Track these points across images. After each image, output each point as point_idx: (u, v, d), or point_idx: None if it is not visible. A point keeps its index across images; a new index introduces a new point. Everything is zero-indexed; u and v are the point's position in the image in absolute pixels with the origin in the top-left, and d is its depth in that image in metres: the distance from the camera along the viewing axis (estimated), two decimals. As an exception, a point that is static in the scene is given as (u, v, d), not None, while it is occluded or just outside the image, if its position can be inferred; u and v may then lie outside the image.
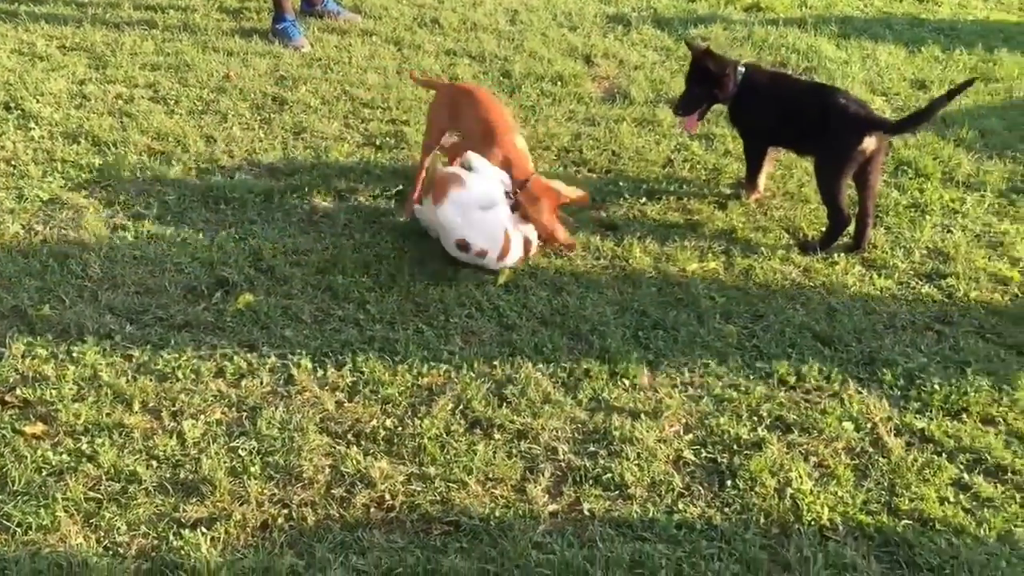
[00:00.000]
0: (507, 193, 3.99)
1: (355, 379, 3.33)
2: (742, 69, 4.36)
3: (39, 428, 3.05)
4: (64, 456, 2.95)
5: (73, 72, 5.44)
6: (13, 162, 4.54)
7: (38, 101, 5.08)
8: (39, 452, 2.95)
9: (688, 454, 3.09)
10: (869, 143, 3.99)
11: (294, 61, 5.75)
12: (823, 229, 4.20)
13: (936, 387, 3.40)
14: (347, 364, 3.39)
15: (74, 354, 3.37)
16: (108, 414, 3.11)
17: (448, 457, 3.02)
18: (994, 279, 4.05)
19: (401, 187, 4.44)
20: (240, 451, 3.00)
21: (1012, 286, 4.00)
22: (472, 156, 3.97)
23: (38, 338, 3.44)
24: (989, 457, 3.11)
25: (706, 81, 4.37)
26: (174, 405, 3.18)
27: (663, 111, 5.32)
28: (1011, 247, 4.25)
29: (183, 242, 4.02)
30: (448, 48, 6.06)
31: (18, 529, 2.70)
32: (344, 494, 2.88)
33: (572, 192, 4.09)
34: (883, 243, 4.24)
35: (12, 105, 5.03)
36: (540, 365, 3.43)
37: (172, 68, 5.55)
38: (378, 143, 4.87)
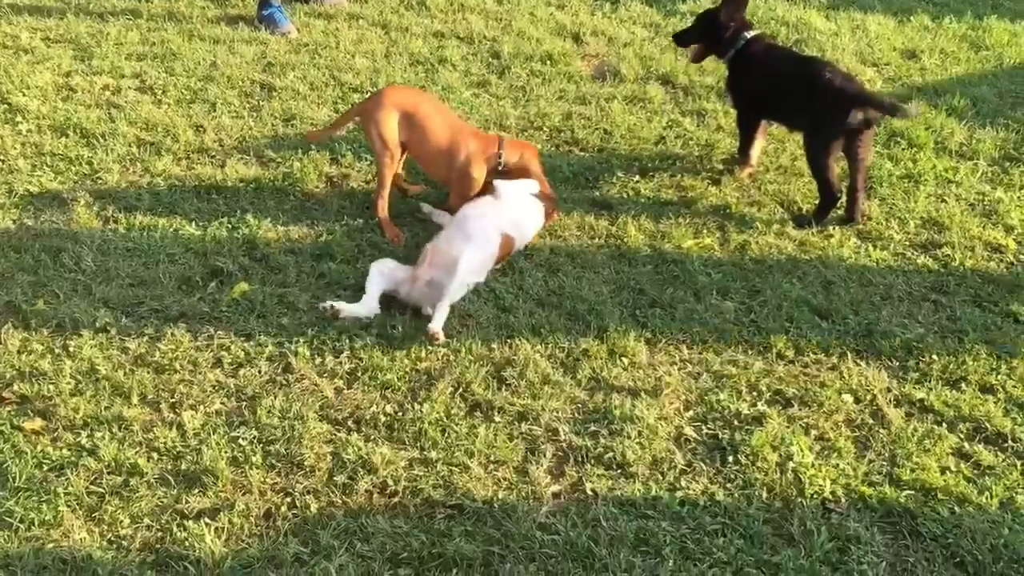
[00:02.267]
0: (498, 166, 4.05)
1: (353, 365, 3.32)
2: (747, 35, 4.38)
3: (38, 423, 3.04)
4: (64, 451, 2.94)
5: (59, 64, 5.39)
6: (1, 157, 4.50)
7: (24, 95, 5.03)
8: (39, 447, 2.94)
9: (689, 431, 3.10)
10: (855, 117, 3.98)
11: (281, 47, 5.70)
12: (816, 203, 4.19)
13: (934, 357, 3.41)
14: (345, 351, 3.38)
15: (70, 348, 3.35)
16: (107, 407, 3.10)
17: (449, 441, 3.02)
18: (989, 247, 4.05)
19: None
20: (241, 441, 2.99)
21: (1007, 254, 4.01)
22: (499, 184, 4.00)
23: (33, 333, 3.43)
24: (989, 425, 3.12)
25: (708, 26, 4.50)
26: (173, 396, 3.17)
27: (654, 88, 5.30)
28: (1005, 215, 4.25)
29: (176, 233, 4.00)
30: (436, 30, 6.02)
31: (21, 525, 2.69)
32: (346, 481, 2.87)
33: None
34: (877, 214, 4.24)
35: (-2, 99, 4.99)
36: (538, 346, 3.43)
37: (158, 58, 5.50)
38: (369, 128, 4.83)
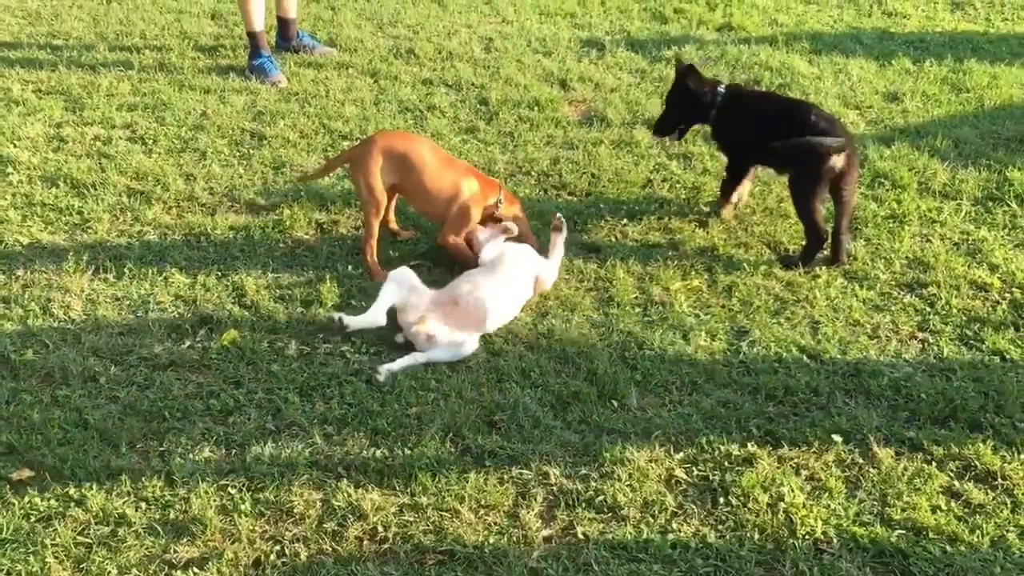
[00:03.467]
0: (495, 210, 4.11)
1: (343, 411, 3.31)
2: (722, 89, 4.39)
3: (26, 474, 3.02)
4: (52, 501, 2.92)
5: (50, 115, 5.43)
6: (-8, 207, 4.52)
7: (15, 146, 5.07)
8: (26, 498, 2.92)
9: (680, 472, 3.09)
10: (837, 160, 4.02)
11: (271, 96, 5.76)
12: (803, 244, 4.23)
13: (923, 396, 3.42)
14: (335, 397, 3.38)
15: (59, 398, 3.35)
16: (95, 457, 3.08)
17: (440, 486, 3.01)
18: (975, 286, 4.08)
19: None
20: (230, 488, 2.98)
21: (992, 292, 4.04)
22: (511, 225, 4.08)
23: (22, 383, 3.42)
24: (978, 463, 3.12)
25: (687, 102, 4.45)
26: (162, 445, 3.16)
27: (640, 132, 5.36)
28: (990, 254, 4.29)
29: (165, 281, 4.01)
30: (424, 78, 6.09)
31: (7, 577, 2.67)
32: (336, 527, 2.86)
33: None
34: (863, 255, 4.27)
35: (-11, 150, 5.02)
36: (528, 390, 3.43)
37: (149, 108, 5.56)
38: (358, 175, 4.87)
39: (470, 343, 3.58)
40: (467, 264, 3.99)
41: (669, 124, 4.61)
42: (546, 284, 3.96)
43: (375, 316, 3.57)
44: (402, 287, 3.64)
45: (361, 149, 4.13)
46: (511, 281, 3.81)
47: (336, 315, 3.57)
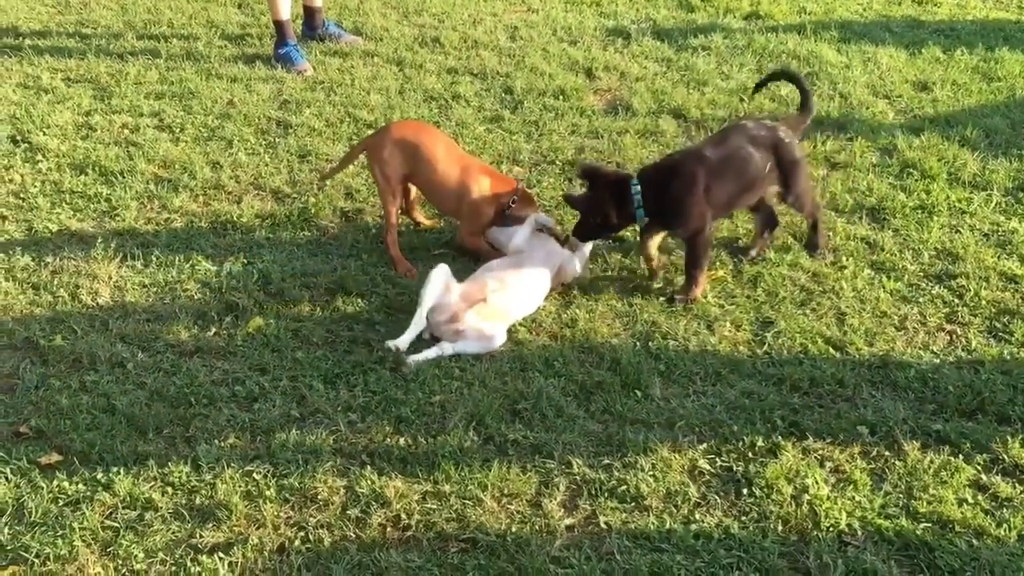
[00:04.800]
0: (509, 204, 4.08)
1: (367, 399, 3.33)
2: (633, 183, 3.83)
3: (54, 458, 3.06)
4: (80, 485, 2.96)
5: (78, 103, 5.48)
6: (22, 195, 4.57)
7: (45, 133, 5.12)
8: (55, 482, 2.96)
9: (703, 463, 3.08)
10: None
11: (297, 85, 5.78)
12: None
13: (950, 388, 3.38)
14: (359, 384, 3.40)
15: (87, 383, 3.39)
16: (123, 442, 3.12)
17: (463, 474, 3.01)
18: (1004, 277, 4.03)
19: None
20: (255, 475, 3.00)
21: (1022, 284, 3.99)
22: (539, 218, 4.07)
23: (51, 368, 3.47)
24: (1006, 457, 3.09)
25: (602, 207, 3.88)
26: (188, 431, 3.19)
27: (666, 121, 5.33)
28: (1020, 245, 4.23)
29: (192, 268, 4.04)
30: (450, 67, 6.09)
31: (36, 560, 2.71)
32: (360, 514, 2.88)
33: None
34: (891, 245, 4.23)
35: (19, 138, 5.07)
36: (551, 379, 3.43)
37: (176, 96, 5.59)
38: (383, 163, 4.88)
39: (499, 337, 3.58)
40: (489, 259, 3.98)
41: (590, 231, 4.01)
42: (572, 274, 3.94)
43: (420, 322, 3.58)
44: (442, 279, 3.65)
45: (376, 138, 4.15)
46: (535, 275, 3.80)
47: (390, 344, 3.51)
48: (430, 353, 3.52)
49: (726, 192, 3.87)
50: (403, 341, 3.53)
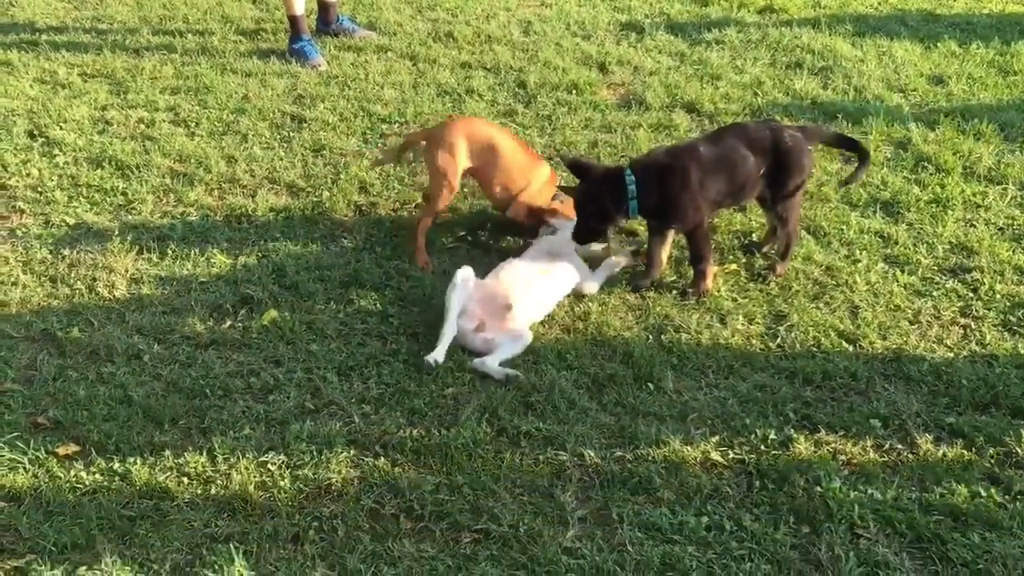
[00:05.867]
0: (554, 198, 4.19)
1: (381, 391, 3.35)
2: (628, 173, 3.80)
3: (72, 449, 3.09)
4: (97, 475, 2.99)
5: (95, 98, 5.52)
6: (39, 188, 4.61)
7: (61, 128, 5.16)
8: (72, 472, 2.99)
9: (716, 456, 3.09)
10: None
11: (311, 80, 5.80)
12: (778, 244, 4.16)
13: (964, 382, 3.38)
14: (372, 376, 3.42)
15: (104, 375, 3.42)
16: (139, 433, 3.15)
17: (476, 465, 3.03)
18: (1019, 272, 4.02)
19: (420, 202, 4.47)
20: (270, 465, 3.03)
21: (1038, 278, 3.98)
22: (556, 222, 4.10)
23: (68, 360, 3.50)
24: (1019, 450, 3.08)
25: (597, 200, 3.84)
26: (203, 422, 3.21)
27: (679, 115, 5.33)
28: (1035, 239, 4.22)
29: (207, 261, 4.07)
30: (463, 61, 6.09)
31: (53, 549, 2.74)
32: (373, 505, 2.89)
33: None
34: (905, 239, 4.22)
35: (36, 133, 5.11)
36: (564, 372, 3.44)
37: (192, 91, 5.62)
38: (397, 157, 4.91)
39: (528, 334, 3.57)
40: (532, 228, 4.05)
41: (589, 232, 3.97)
42: (588, 291, 3.90)
43: (451, 330, 3.54)
44: (466, 291, 3.63)
45: (443, 130, 4.16)
46: (559, 286, 3.82)
47: (430, 360, 3.43)
48: (489, 366, 3.45)
49: (717, 189, 3.83)
50: (440, 353, 3.47)
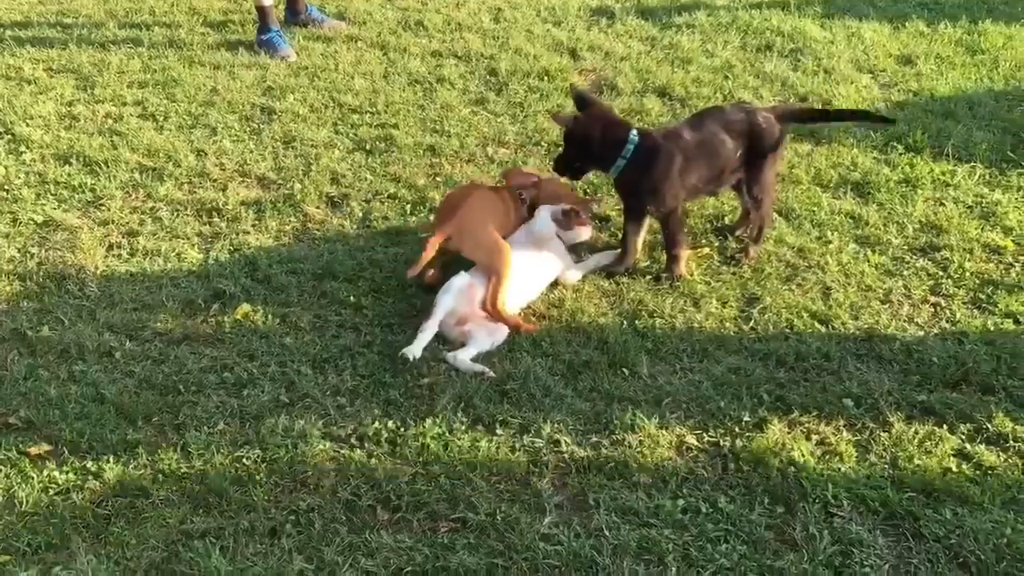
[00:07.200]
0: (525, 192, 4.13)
1: (356, 383, 3.34)
2: (633, 135, 3.82)
3: (44, 448, 3.07)
4: (70, 474, 2.96)
5: (61, 94, 5.46)
6: (6, 187, 4.56)
7: (28, 124, 5.10)
8: (45, 472, 2.97)
9: (691, 439, 3.10)
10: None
11: (281, 71, 5.76)
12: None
13: (935, 360, 3.41)
14: (347, 368, 3.41)
15: (75, 373, 3.39)
16: (112, 431, 3.12)
17: (452, 455, 3.03)
18: (988, 249, 4.06)
19: (393, 191, 4.45)
20: (245, 460, 3.02)
21: (1006, 255, 4.01)
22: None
23: (39, 359, 3.47)
24: (990, 426, 3.12)
25: (583, 140, 3.87)
26: (177, 418, 3.19)
27: (651, 100, 5.34)
28: (1004, 216, 4.26)
29: (178, 256, 4.04)
30: (434, 49, 6.07)
31: (28, 549, 2.72)
32: (350, 497, 2.89)
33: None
34: (876, 219, 4.25)
35: (2, 130, 5.05)
36: (539, 359, 3.45)
37: (159, 84, 5.57)
38: (368, 147, 4.89)
39: (504, 329, 3.56)
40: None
41: (571, 165, 4.04)
42: (569, 280, 3.89)
43: (432, 329, 3.50)
44: (458, 296, 3.59)
45: (456, 215, 3.74)
46: (542, 275, 3.82)
47: (407, 354, 3.39)
48: (463, 360, 3.43)
49: (699, 175, 3.85)
50: (417, 349, 3.43)
